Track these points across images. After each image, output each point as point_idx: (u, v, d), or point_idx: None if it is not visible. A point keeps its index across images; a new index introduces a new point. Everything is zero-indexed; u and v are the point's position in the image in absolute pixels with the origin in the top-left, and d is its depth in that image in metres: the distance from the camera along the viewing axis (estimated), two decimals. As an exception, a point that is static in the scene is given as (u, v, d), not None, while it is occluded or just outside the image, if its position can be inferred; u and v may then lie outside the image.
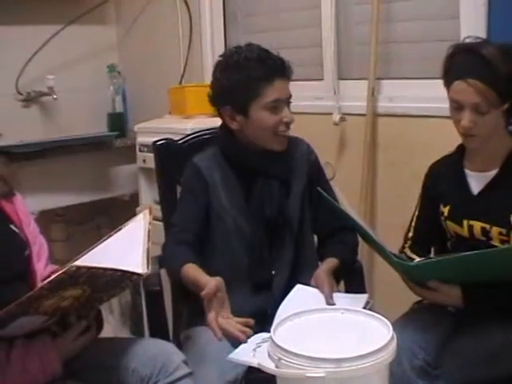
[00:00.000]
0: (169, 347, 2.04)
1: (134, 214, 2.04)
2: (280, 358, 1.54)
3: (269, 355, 1.58)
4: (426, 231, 2.31)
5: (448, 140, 2.32)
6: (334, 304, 2.08)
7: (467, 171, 2.21)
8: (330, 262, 2.28)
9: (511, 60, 2.01)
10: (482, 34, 2.51)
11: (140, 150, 3.41)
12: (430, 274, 2.04)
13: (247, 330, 1.88)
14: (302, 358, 1.51)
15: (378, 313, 1.71)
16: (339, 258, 2.29)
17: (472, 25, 2.59)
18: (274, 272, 2.27)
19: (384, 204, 3.05)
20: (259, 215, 2.25)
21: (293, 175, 2.32)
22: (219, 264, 2.23)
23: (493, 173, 2.15)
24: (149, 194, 3.42)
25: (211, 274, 2.01)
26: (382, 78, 3.00)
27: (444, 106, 2.58)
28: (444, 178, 2.26)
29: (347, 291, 2.35)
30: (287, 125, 2.21)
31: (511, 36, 2.40)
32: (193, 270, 2.05)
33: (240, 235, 2.26)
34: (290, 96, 2.22)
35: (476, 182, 2.18)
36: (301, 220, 2.32)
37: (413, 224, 2.33)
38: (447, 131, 2.52)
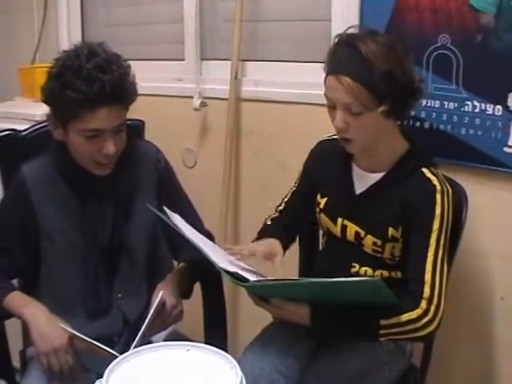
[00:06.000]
0: None
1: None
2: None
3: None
4: (299, 208, 2.19)
5: (316, 128, 2.22)
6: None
7: (355, 167, 2.05)
8: (174, 272, 2.12)
9: (394, 57, 1.84)
10: (354, 13, 2.40)
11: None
12: (270, 293, 1.88)
13: None
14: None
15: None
16: (188, 261, 2.12)
17: (345, 4, 2.46)
18: (119, 295, 2.08)
19: (248, 194, 2.93)
20: (93, 239, 2.05)
21: (136, 193, 2.09)
22: (53, 289, 2.04)
23: (379, 176, 2.00)
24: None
25: (43, 299, 1.96)
26: (247, 60, 2.85)
27: (311, 92, 2.47)
28: (329, 164, 2.10)
29: (203, 291, 2.22)
30: (107, 156, 1.95)
31: (384, 17, 2.30)
32: (17, 300, 1.95)
33: (74, 255, 2.04)
34: (121, 124, 1.94)
35: (360, 180, 2.03)
36: (152, 239, 2.13)
37: (286, 199, 2.22)
38: (315, 119, 2.43)
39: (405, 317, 1.80)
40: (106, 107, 1.85)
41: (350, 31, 1.95)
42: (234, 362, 1.52)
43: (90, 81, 1.83)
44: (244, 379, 1.47)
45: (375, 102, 1.83)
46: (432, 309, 1.82)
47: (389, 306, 1.79)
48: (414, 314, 1.81)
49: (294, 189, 2.20)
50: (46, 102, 1.94)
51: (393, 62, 1.83)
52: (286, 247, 2.12)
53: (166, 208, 1.96)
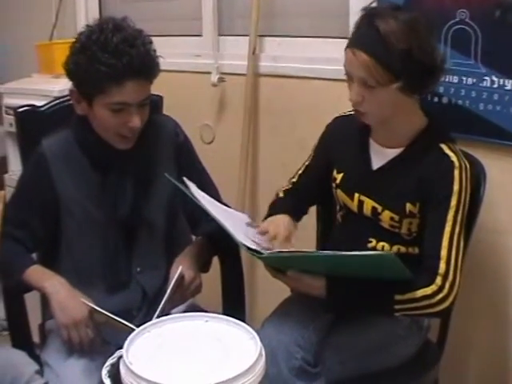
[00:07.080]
0: (19, 358, 1.90)
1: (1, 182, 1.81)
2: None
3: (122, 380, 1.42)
4: (312, 181, 2.19)
5: (334, 104, 2.22)
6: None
7: (372, 142, 2.04)
8: (193, 245, 2.14)
9: (414, 36, 1.82)
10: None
11: (6, 113, 3.17)
12: (286, 264, 1.89)
13: None
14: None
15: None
16: (206, 234, 2.14)
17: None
18: (138, 269, 2.10)
19: (266, 169, 2.93)
20: (113, 213, 2.06)
21: (156, 167, 2.10)
22: (73, 262, 2.07)
23: (396, 151, 1.99)
24: (18, 160, 3.12)
25: (63, 273, 1.97)
26: (265, 36, 2.85)
27: (329, 67, 2.46)
28: (345, 140, 2.10)
29: (221, 264, 2.24)
30: (132, 129, 1.97)
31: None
32: (37, 274, 1.97)
33: (94, 228, 2.06)
34: (146, 98, 1.96)
35: (378, 156, 2.02)
36: (170, 213, 2.14)
37: (299, 172, 2.21)
38: (333, 94, 2.41)
39: (420, 292, 1.81)
40: (133, 81, 1.87)
41: (374, 5, 1.95)
42: (254, 333, 1.52)
43: (118, 55, 1.84)
44: (263, 350, 1.47)
45: (390, 77, 1.82)
46: (447, 285, 1.82)
47: (404, 282, 1.80)
48: (428, 290, 1.81)
49: (308, 162, 2.20)
50: (69, 76, 1.95)
51: (412, 41, 1.81)
52: (297, 219, 2.14)
53: (185, 178, 1.97)
